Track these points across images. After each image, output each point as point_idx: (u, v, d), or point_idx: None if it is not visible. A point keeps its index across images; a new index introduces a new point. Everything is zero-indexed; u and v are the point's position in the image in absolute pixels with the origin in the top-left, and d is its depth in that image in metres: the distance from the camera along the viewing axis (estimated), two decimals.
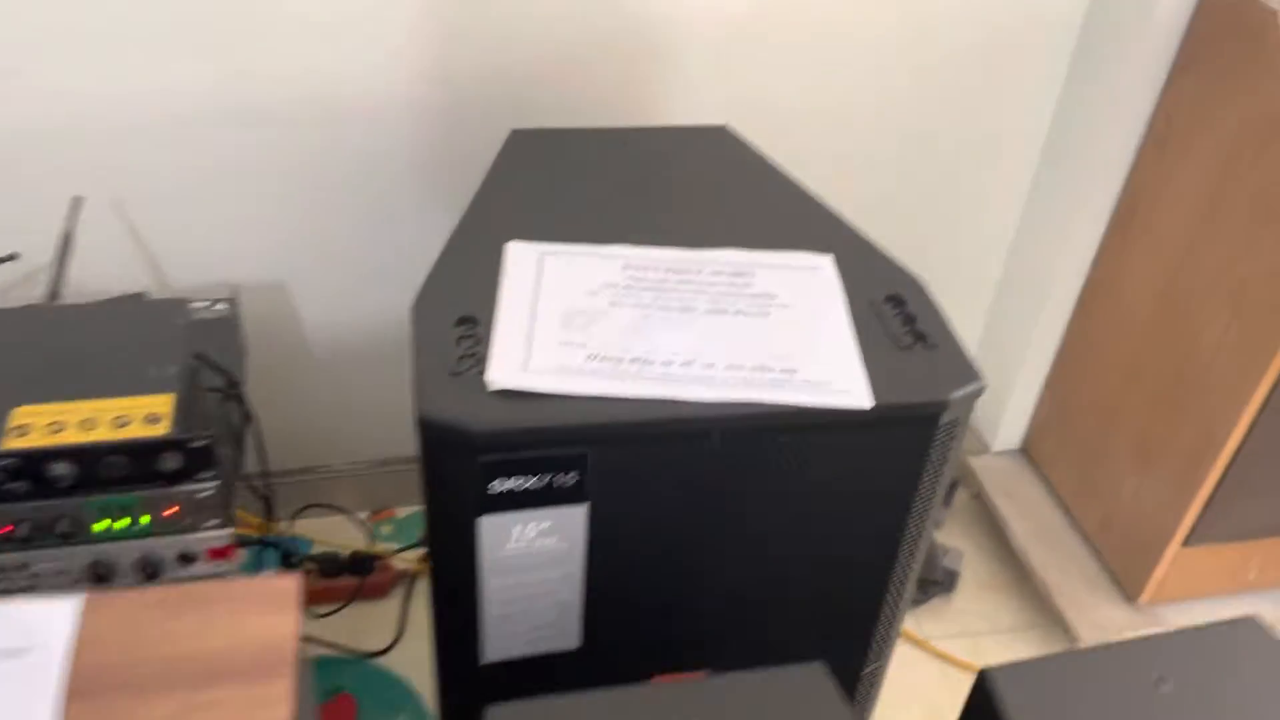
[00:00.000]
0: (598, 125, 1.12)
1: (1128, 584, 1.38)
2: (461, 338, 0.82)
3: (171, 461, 0.78)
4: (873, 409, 0.79)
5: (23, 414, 0.77)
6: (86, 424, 0.77)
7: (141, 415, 0.78)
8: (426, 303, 0.85)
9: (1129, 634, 1.36)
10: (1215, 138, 1.20)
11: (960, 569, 1.51)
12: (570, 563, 0.85)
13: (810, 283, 0.90)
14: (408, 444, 1.48)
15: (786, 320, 0.86)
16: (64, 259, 1.02)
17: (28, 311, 0.89)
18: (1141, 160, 1.31)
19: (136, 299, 1.01)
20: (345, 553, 1.42)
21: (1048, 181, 1.42)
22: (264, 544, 1.32)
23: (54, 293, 0.98)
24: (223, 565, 0.85)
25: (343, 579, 1.41)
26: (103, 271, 1.22)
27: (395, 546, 1.48)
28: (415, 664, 1.35)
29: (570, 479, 0.79)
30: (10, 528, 0.77)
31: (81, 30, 1.06)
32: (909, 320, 0.88)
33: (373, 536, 1.50)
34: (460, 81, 1.17)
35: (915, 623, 1.46)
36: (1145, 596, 1.36)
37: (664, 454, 0.79)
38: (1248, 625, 0.78)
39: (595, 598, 0.87)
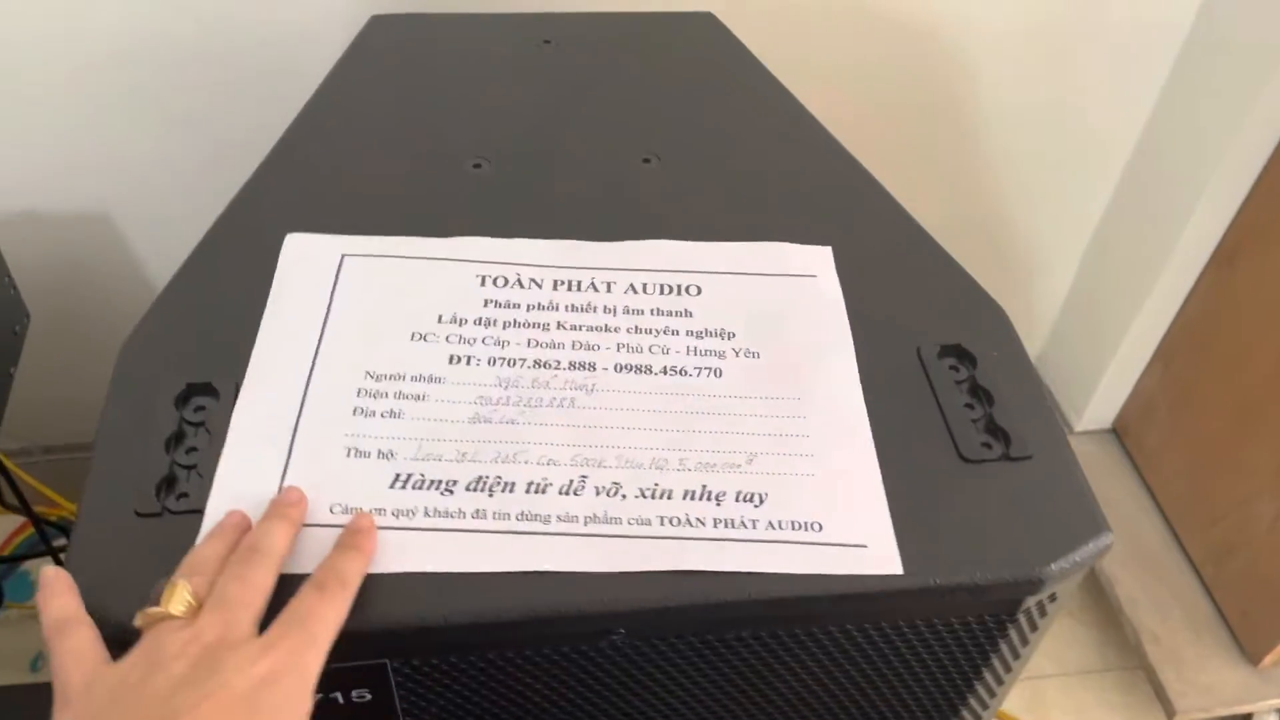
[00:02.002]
0: (508, 9, 0.72)
1: (1248, 640, 1.03)
2: (183, 429, 0.46)
3: None
4: (904, 586, 0.43)
5: None
6: None
7: None
8: (140, 349, 0.50)
9: (1245, 706, 1.03)
10: None
11: None
12: None
13: (798, 303, 0.53)
14: None
15: (752, 383, 0.49)
16: None
17: None
18: None
19: None
20: None
21: (1189, 76, 0.99)
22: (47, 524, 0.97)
23: None
24: None
25: None
26: None
27: None
28: None
29: (362, 695, 0.45)
30: None
31: None
32: (981, 398, 0.50)
33: None
34: None
35: None
36: (1271, 659, 1.01)
37: (526, 661, 0.45)
38: None
39: None
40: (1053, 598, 0.47)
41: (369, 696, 0.45)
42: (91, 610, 0.40)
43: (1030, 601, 0.46)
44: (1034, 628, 0.48)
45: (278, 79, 0.84)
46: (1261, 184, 0.98)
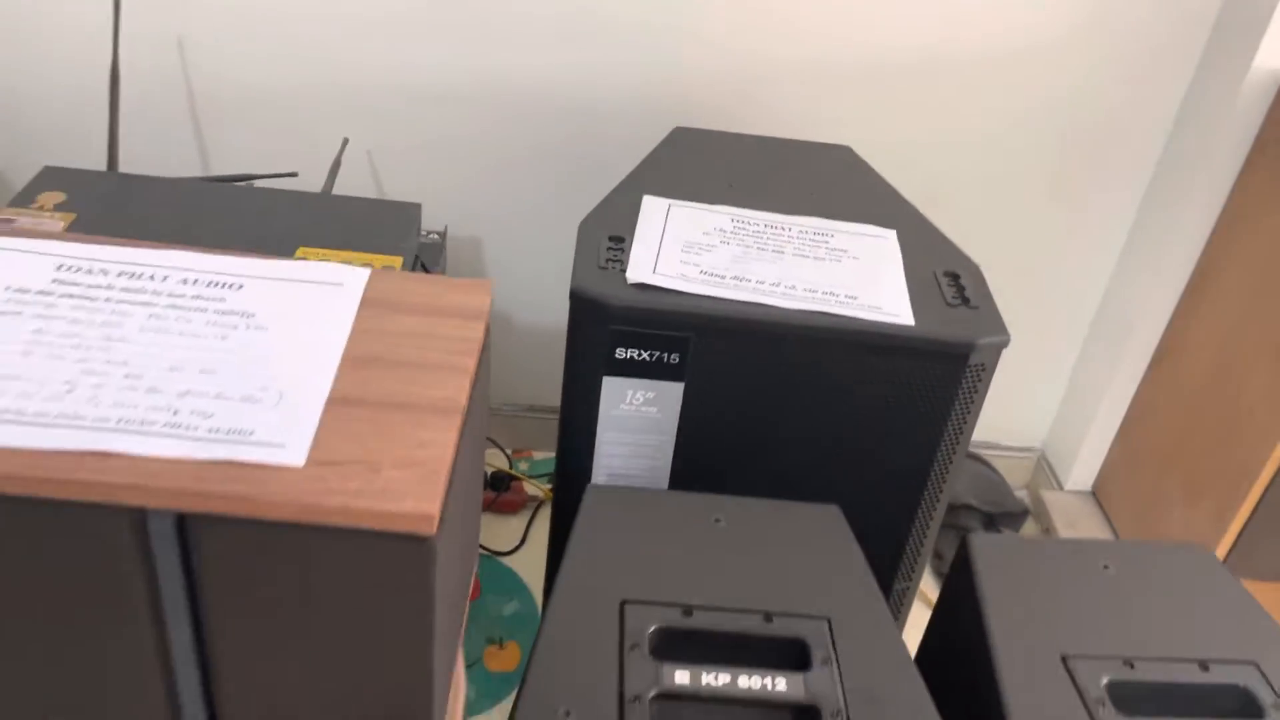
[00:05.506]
0: (748, 131, 1.40)
1: None
2: (610, 247, 1.10)
3: None
4: (911, 338, 1.02)
5: (303, 252, 1.09)
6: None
7: (380, 265, 1.09)
8: (589, 224, 1.14)
9: None
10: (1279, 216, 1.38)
11: (1031, 509, 1.70)
12: (665, 432, 1.10)
13: (876, 246, 1.15)
14: (553, 395, 1.77)
15: (854, 267, 1.11)
16: (332, 180, 1.37)
17: (309, 196, 1.23)
18: (1216, 235, 1.50)
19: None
20: (488, 471, 1.71)
21: (1139, 246, 1.62)
22: None
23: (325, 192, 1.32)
24: None
25: (483, 491, 1.70)
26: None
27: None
28: (531, 567, 1.61)
29: (674, 358, 1.05)
30: None
31: (365, 17, 1.43)
32: (960, 290, 1.11)
33: (511, 467, 1.78)
34: (646, 82, 1.49)
35: None
36: None
37: (748, 348, 1.04)
38: (1194, 549, 0.96)
39: (680, 466, 1.12)
40: (982, 367, 1.05)
41: (676, 359, 1.05)
42: (586, 295, 1.03)
43: (972, 360, 1.04)
44: (975, 388, 1.06)
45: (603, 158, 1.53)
46: (1176, 315, 1.58)
